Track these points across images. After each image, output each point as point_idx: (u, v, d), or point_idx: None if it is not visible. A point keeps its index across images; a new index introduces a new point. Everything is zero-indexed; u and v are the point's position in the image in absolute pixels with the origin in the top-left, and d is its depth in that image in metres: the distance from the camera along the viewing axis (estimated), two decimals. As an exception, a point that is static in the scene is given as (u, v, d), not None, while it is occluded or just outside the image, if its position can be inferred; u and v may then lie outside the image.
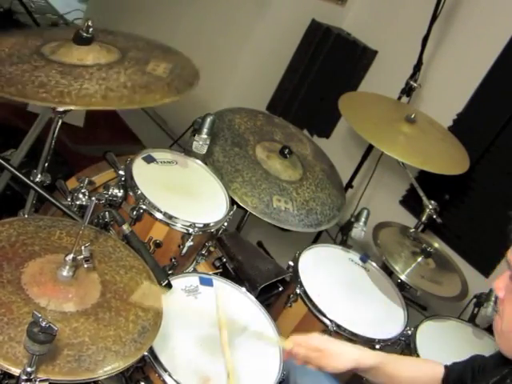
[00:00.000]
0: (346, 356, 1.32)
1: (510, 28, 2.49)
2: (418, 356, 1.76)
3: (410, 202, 2.84)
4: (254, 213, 1.92)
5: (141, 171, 1.74)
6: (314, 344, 1.32)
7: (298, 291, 1.83)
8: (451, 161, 2.32)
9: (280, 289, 1.97)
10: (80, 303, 1.15)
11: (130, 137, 2.89)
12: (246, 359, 1.47)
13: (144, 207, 1.63)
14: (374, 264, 2.12)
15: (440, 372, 1.34)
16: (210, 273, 1.76)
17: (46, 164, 1.63)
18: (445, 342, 1.90)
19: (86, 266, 1.19)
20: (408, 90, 2.53)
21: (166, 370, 1.32)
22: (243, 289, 1.70)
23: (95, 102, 1.29)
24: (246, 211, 1.96)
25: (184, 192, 1.79)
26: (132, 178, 1.68)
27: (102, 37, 1.60)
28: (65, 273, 1.17)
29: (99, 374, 1.05)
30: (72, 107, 1.28)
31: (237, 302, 1.66)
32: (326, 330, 1.76)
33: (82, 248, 1.17)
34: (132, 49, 1.56)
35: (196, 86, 1.51)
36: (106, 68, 1.40)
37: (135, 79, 1.40)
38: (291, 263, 1.92)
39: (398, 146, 2.23)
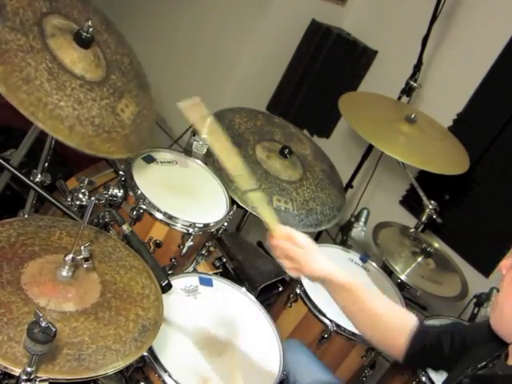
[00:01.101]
0: (323, 264, 1.29)
1: (510, 28, 2.49)
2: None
3: (410, 202, 2.84)
4: (254, 213, 1.92)
5: (141, 171, 1.74)
6: (298, 241, 1.28)
7: (297, 291, 1.83)
8: (451, 161, 2.32)
9: (280, 289, 1.97)
10: (80, 303, 1.15)
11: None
12: (246, 359, 1.48)
13: (144, 207, 1.63)
14: (374, 264, 2.12)
15: (411, 322, 1.31)
16: (210, 273, 1.77)
17: (46, 164, 1.64)
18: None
19: (85, 266, 1.19)
20: (408, 90, 2.52)
21: (165, 371, 1.32)
22: (243, 289, 1.70)
23: (61, 130, 1.31)
24: (246, 211, 1.96)
25: (184, 192, 1.79)
26: (132, 178, 1.68)
27: (100, 31, 1.60)
28: (64, 273, 1.17)
29: (100, 373, 1.05)
30: (39, 124, 1.28)
31: (237, 302, 1.66)
32: (325, 330, 1.76)
33: (82, 248, 1.17)
34: (116, 69, 1.57)
35: (143, 147, 1.61)
36: (87, 88, 1.42)
37: (103, 117, 1.42)
38: (291, 263, 1.92)
39: (398, 145, 2.23)
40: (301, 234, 1.30)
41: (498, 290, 1.14)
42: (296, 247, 1.27)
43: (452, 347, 1.27)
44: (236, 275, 1.91)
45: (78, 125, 1.33)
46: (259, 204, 1.35)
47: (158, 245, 1.68)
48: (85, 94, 1.39)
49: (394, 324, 1.32)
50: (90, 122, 1.37)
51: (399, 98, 2.57)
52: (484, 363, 1.10)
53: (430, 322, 1.92)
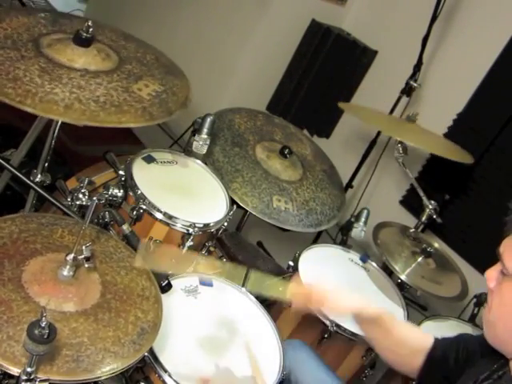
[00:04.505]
0: (349, 302, 1.36)
1: (510, 28, 2.49)
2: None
3: (410, 201, 2.84)
4: (254, 213, 1.91)
5: (141, 171, 1.74)
6: (316, 292, 1.35)
7: (298, 291, 1.83)
8: (457, 153, 2.31)
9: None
10: (80, 303, 1.15)
11: (130, 137, 2.88)
12: (246, 360, 1.47)
13: (144, 207, 1.62)
14: (374, 264, 2.11)
15: (429, 342, 1.34)
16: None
17: (46, 164, 1.64)
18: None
19: (86, 265, 1.19)
20: (408, 90, 2.52)
21: (165, 371, 1.31)
22: (243, 289, 1.70)
23: (55, 110, 1.26)
24: (246, 211, 1.96)
25: (184, 192, 1.79)
26: (132, 177, 1.68)
27: (117, 40, 1.61)
28: (65, 272, 1.17)
29: (97, 375, 1.04)
30: (29, 110, 1.24)
31: (237, 302, 1.66)
32: (325, 330, 1.76)
33: (83, 248, 1.17)
34: (134, 61, 1.56)
35: (176, 114, 1.49)
36: (90, 76, 1.39)
37: (112, 95, 1.38)
38: (291, 263, 1.92)
39: (407, 132, 2.21)
40: (314, 286, 1.38)
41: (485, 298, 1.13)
42: (318, 302, 1.35)
43: (457, 359, 1.28)
44: (236, 275, 1.91)
45: (77, 103, 1.30)
46: (260, 285, 1.46)
47: (158, 245, 1.68)
48: (87, 80, 1.38)
49: (414, 347, 1.35)
50: (94, 100, 1.34)
51: (399, 98, 2.57)
52: (486, 374, 1.10)
53: (428, 322, 1.93)
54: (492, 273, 1.08)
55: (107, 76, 1.43)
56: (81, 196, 1.60)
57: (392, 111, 2.61)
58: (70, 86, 1.33)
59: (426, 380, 1.36)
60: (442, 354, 1.31)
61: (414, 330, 1.43)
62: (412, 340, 1.37)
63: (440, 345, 1.34)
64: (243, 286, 1.57)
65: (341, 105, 2.31)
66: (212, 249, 1.90)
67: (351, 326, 1.76)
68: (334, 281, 1.93)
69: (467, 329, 1.99)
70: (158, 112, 1.44)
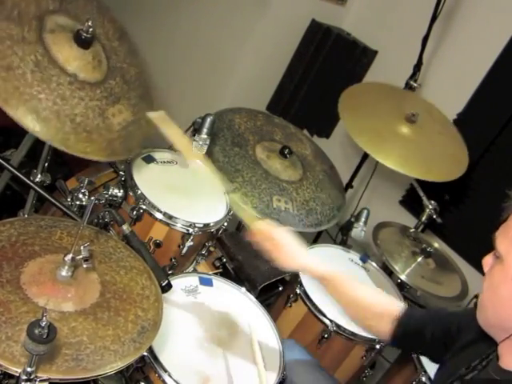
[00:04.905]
0: (297, 259, 1.40)
1: (510, 28, 2.49)
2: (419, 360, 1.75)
3: (410, 201, 2.84)
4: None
5: (141, 171, 1.74)
6: (275, 236, 1.40)
7: (297, 291, 1.83)
8: (450, 161, 2.31)
9: (280, 289, 1.97)
10: (79, 303, 1.15)
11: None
12: (246, 359, 1.48)
13: (144, 207, 1.63)
14: (374, 264, 2.12)
15: (396, 308, 1.37)
16: (210, 273, 1.77)
17: (46, 164, 1.64)
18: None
19: (85, 266, 1.19)
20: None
21: (165, 370, 1.32)
22: (243, 289, 1.70)
23: (31, 121, 1.27)
24: (246, 211, 1.96)
25: (184, 192, 1.79)
26: (132, 177, 1.68)
27: (111, 39, 1.59)
28: (64, 273, 1.17)
29: (97, 373, 1.05)
30: (10, 113, 1.24)
31: (237, 302, 1.66)
32: (325, 330, 1.76)
33: (81, 248, 1.17)
34: (118, 76, 1.55)
35: (126, 155, 1.58)
36: (77, 86, 1.39)
37: (88, 117, 1.39)
38: (291, 263, 1.92)
39: (395, 153, 2.22)
40: (278, 230, 1.41)
41: None
42: (272, 243, 1.39)
43: (433, 334, 1.31)
44: (236, 275, 1.91)
45: (55, 119, 1.30)
46: (236, 204, 1.52)
47: (157, 245, 1.68)
48: (72, 91, 1.37)
49: (379, 311, 1.38)
50: (70, 119, 1.34)
51: (399, 98, 2.57)
52: (477, 362, 1.11)
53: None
54: (488, 258, 1.10)
55: (91, 90, 1.43)
56: (81, 196, 1.60)
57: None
58: (55, 95, 1.32)
59: (399, 345, 1.44)
60: (420, 324, 1.33)
61: (376, 294, 1.43)
62: (374, 304, 1.39)
63: (416, 313, 1.37)
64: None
65: (341, 103, 2.31)
66: (212, 249, 1.90)
67: (351, 326, 1.76)
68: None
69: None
70: (120, 148, 1.48)
